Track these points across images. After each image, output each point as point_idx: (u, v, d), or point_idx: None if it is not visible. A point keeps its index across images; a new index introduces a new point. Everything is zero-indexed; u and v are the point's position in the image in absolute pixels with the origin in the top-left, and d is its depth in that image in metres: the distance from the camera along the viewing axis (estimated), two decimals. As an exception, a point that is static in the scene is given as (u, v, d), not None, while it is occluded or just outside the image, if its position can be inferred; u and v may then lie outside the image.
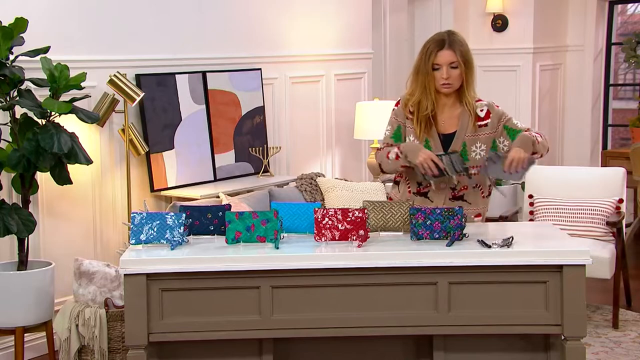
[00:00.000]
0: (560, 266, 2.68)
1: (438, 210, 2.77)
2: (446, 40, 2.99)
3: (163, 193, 4.44)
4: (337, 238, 2.77)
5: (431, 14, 6.48)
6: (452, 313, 2.69)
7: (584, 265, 2.68)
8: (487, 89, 6.64)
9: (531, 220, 4.52)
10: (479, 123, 3.02)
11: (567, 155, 7.01)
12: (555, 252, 2.71)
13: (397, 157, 3.00)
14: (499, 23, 6.58)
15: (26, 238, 3.65)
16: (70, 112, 3.57)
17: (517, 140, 2.96)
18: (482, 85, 6.67)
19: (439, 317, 2.69)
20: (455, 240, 2.75)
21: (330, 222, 2.76)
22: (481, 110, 3.02)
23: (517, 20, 6.53)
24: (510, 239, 2.76)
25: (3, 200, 3.60)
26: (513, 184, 3.06)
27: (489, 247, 2.72)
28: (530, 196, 4.61)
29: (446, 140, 3.02)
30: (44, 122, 3.61)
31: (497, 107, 3.09)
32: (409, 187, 3.11)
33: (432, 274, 2.68)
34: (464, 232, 2.77)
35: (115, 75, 4.09)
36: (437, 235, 2.77)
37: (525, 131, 3.02)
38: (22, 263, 3.66)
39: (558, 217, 4.42)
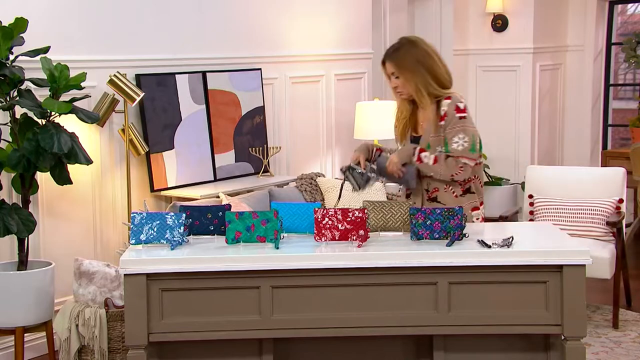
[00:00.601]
0: (560, 266, 2.68)
1: (438, 210, 2.77)
2: (386, 54, 3.10)
3: (163, 193, 4.44)
4: (337, 238, 2.77)
5: (431, 14, 6.48)
6: (452, 313, 2.70)
7: (584, 265, 2.68)
8: (487, 89, 6.65)
9: (531, 220, 4.52)
10: (440, 123, 3.03)
11: (567, 156, 7.01)
12: (555, 252, 2.71)
13: None
14: (499, 23, 6.58)
15: (26, 238, 3.65)
16: (70, 112, 3.57)
17: (401, 148, 3.10)
18: (482, 85, 6.71)
19: (439, 317, 2.69)
20: (455, 240, 2.76)
21: (330, 222, 2.76)
22: (443, 109, 3.03)
23: (517, 20, 6.53)
24: (510, 239, 2.76)
25: (3, 200, 3.60)
26: (406, 190, 3.14)
27: (489, 247, 2.72)
28: (530, 196, 4.61)
29: (415, 142, 3.11)
30: (44, 122, 3.62)
31: (458, 111, 3.02)
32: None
33: (432, 274, 2.68)
34: (464, 232, 2.78)
35: (115, 75, 4.09)
36: (437, 235, 2.77)
37: (450, 156, 3.03)
38: (22, 263, 3.66)
39: (558, 217, 4.42)
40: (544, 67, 6.66)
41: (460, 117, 3.04)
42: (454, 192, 3.10)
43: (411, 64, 3.02)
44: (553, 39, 6.76)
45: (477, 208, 3.14)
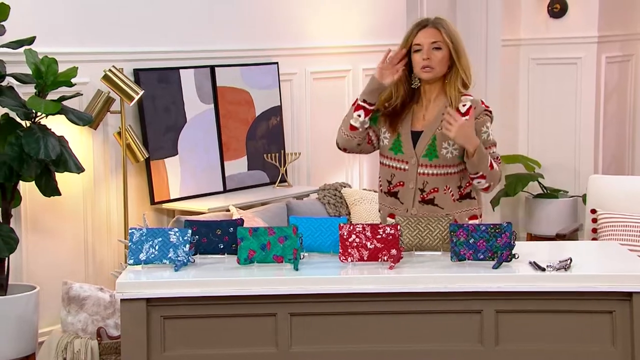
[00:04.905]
0: (630, 294, 2.68)
1: (483, 227, 2.79)
2: (430, 20, 3.14)
3: (165, 206, 4.50)
4: (365, 258, 2.80)
5: (476, -2, 6.50)
6: (499, 347, 2.71)
7: (658, 292, 2.68)
8: (542, 85, 6.64)
9: (594, 239, 4.52)
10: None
11: (639, 164, 6.97)
12: (623, 276, 2.72)
13: (355, 101, 3.12)
14: (557, 7, 6.58)
15: (7, 258, 3.72)
16: (58, 112, 3.65)
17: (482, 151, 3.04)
18: (536, 81, 6.70)
19: (485, 352, 2.70)
20: (503, 262, 2.77)
21: (357, 240, 2.79)
22: (463, 105, 3.08)
23: (579, 4, 6.52)
24: (569, 260, 2.77)
25: (-18, 213, 3.68)
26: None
27: (543, 270, 2.74)
28: (594, 211, 4.60)
29: (415, 137, 3.10)
30: (28, 124, 3.69)
31: (484, 104, 3.14)
32: (380, 186, 3.18)
33: (476, 300, 2.70)
34: (514, 252, 2.79)
35: (110, 70, 4.16)
36: (481, 256, 2.79)
37: (487, 148, 3.09)
38: (2, 287, 3.73)
39: (627, 236, 4.41)
40: (611, 59, 6.64)
41: (487, 110, 3.14)
42: (452, 195, 3.12)
43: (463, 45, 3.10)
44: (622, 25, 6.74)
45: (476, 217, 3.16)
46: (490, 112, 3.15)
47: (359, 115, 3.08)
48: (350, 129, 3.11)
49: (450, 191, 3.12)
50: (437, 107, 3.10)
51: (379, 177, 3.21)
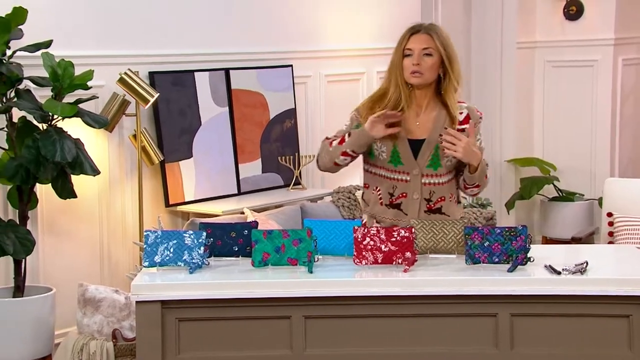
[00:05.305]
0: (646, 297, 2.68)
1: (498, 229, 2.79)
2: (424, 25, 3.13)
3: (180, 208, 4.52)
4: (379, 261, 2.80)
5: (491, 0, 6.49)
6: (515, 351, 2.70)
7: (675, 296, 2.67)
8: (558, 88, 6.62)
9: (610, 242, 4.50)
10: (458, 127, 3.07)
11: (656, 166, 6.94)
12: (640, 280, 2.71)
13: (342, 140, 3.12)
14: (573, 9, 6.56)
15: (23, 260, 3.74)
16: (75, 115, 3.68)
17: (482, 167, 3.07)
18: (552, 84, 6.68)
19: (500, 356, 2.70)
20: (518, 265, 2.77)
21: (372, 243, 2.80)
22: (460, 113, 3.10)
23: (595, 6, 6.50)
24: (585, 264, 2.76)
25: (-2, 216, 3.71)
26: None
27: (559, 273, 2.73)
28: (610, 214, 4.59)
29: (417, 146, 3.08)
30: (45, 127, 3.72)
31: (478, 112, 3.17)
32: (380, 198, 3.14)
33: (491, 303, 2.70)
34: (529, 255, 2.79)
35: (126, 74, 4.19)
36: (496, 259, 2.79)
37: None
38: (19, 289, 3.76)
39: (643, 239, 4.39)
40: (627, 61, 6.61)
41: (480, 117, 3.17)
42: (456, 201, 3.17)
43: (455, 53, 3.11)
44: (639, 27, 6.71)
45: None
46: (481, 117, 3.18)
47: (345, 159, 3.13)
48: (334, 164, 3.16)
49: (454, 197, 3.15)
50: (431, 114, 3.10)
51: (377, 190, 3.15)
